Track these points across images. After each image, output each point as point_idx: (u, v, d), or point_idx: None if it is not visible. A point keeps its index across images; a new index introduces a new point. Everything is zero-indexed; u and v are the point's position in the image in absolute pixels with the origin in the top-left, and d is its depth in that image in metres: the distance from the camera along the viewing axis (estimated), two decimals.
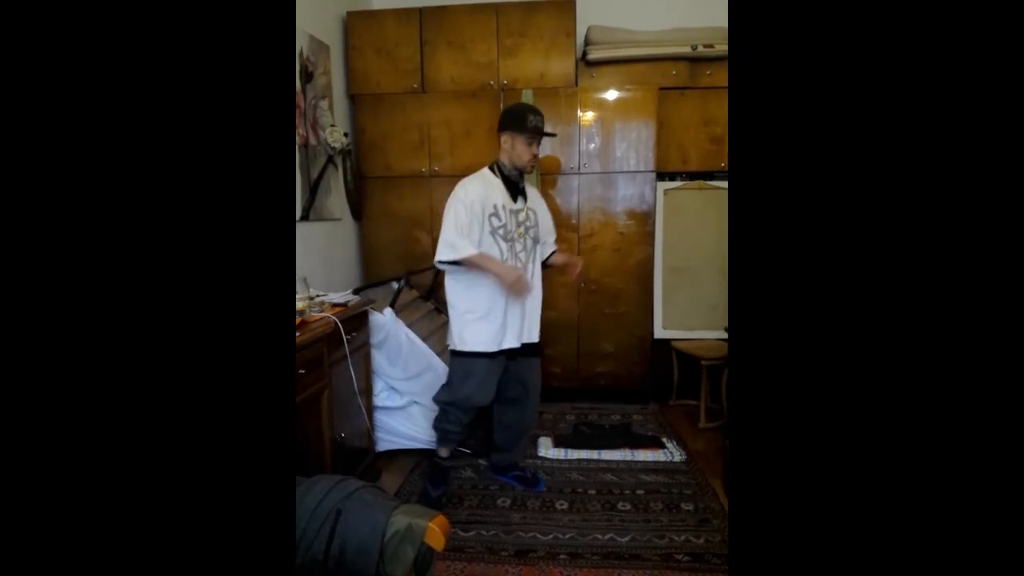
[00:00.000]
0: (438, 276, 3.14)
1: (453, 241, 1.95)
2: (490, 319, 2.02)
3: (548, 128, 2.10)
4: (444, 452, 2.23)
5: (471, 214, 1.95)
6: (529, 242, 2.09)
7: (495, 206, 2.00)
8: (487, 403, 2.14)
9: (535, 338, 2.15)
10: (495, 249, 2.00)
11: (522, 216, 2.07)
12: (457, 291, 2.06)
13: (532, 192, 2.17)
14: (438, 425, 2.21)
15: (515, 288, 1.96)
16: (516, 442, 2.27)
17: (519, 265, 2.04)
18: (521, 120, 1.98)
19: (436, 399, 2.19)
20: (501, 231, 2.00)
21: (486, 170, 2.08)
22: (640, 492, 2.21)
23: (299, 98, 2.52)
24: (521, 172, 2.06)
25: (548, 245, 2.23)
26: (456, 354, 2.10)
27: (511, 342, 2.06)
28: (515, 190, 2.05)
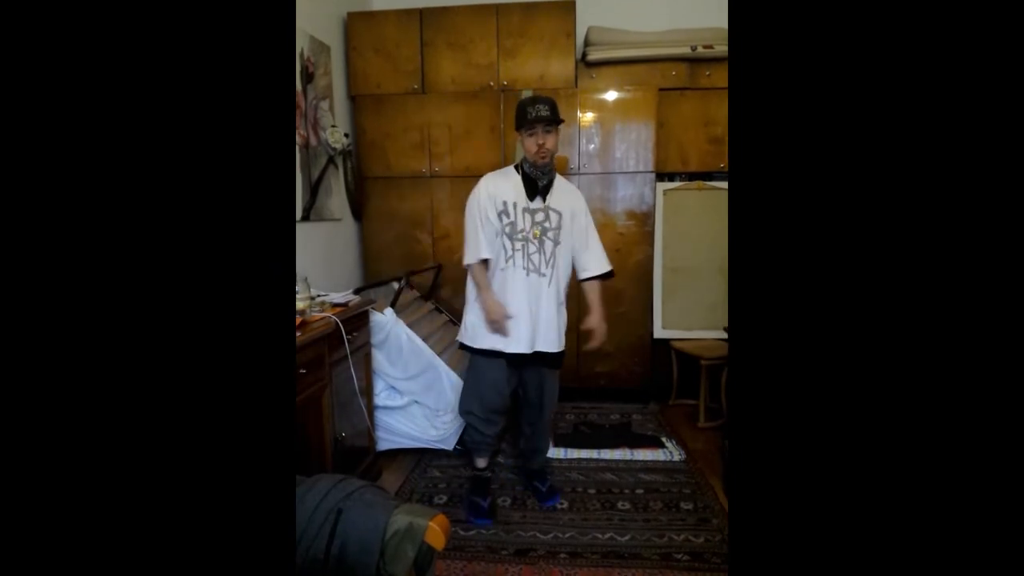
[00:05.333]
0: (438, 276, 3.15)
1: (467, 245, 2.01)
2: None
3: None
4: (480, 463, 2.20)
5: (479, 216, 1.97)
6: (548, 244, 1.97)
7: (505, 203, 1.95)
8: (501, 405, 2.09)
9: (550, 348, 2.02)
10: (501, 250, 1.97)
11: (539, 216, 1.96)
12: (472, 289, 2.08)
13: (563, 194, 2.03)
14: (466, 438, 2.25)
15: (492, 325, 1.97)
16: (533, 448, 2.24)
17: (531, 267, 1.97)
18: (522, 114, 1.91)
19: (460, 408, 2.20)
20: (508, 229, 1.96)
21: (511, 167, 2.04)
22: (640, 491, 2.21)
23: (300, 99, 2.52)
24: (542, 169, 1.94)
25: (580, 261, 2.06)
26: (463, 348, 2.12)
27: (519, 347, 1.98)
28: (533, 188, 1.97)
